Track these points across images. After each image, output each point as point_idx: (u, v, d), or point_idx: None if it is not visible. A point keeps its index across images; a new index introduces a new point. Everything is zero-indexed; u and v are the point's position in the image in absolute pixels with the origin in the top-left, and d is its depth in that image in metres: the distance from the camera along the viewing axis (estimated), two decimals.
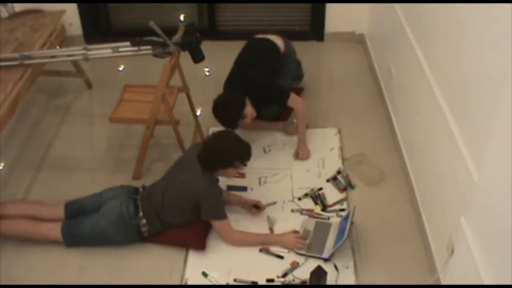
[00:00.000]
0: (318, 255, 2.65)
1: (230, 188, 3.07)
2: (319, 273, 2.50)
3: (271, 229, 2.82)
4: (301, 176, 3.15)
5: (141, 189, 2.84)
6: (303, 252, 2.68)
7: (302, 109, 3.29)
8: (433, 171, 2.66)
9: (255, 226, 2.83)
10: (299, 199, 3.00)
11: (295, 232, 2.76)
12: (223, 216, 2.70)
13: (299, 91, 3.69)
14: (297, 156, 3.31)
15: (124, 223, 2.68)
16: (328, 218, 2.87)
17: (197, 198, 2.66)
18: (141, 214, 2.70)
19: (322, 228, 2.79)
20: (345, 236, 2.61)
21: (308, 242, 2.71)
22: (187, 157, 2.83)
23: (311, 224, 2.82)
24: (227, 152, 2.68)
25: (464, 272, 2.10)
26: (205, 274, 2.60)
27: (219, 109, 3.10)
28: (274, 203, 2.97)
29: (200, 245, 2.72)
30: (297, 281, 2.56)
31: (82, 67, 3.88)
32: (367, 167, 3.19)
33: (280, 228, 2.83)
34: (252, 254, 2.70)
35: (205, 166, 2.69)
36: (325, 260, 2.64)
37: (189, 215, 2.73)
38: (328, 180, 3.11)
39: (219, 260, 2.68)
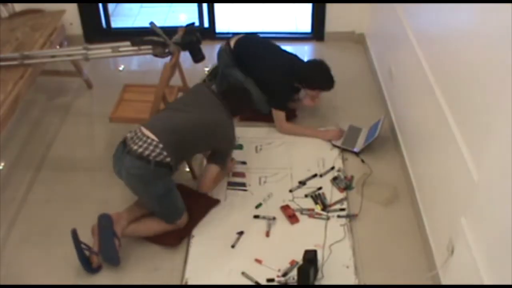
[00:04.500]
0: (350, 148, 3.28)
1: (230, 184, 3.09)
2: (306, 267, 2.48)
3: (267, 233, 2.82)
4: (301, 176, 3.15)
5: (129, 134, 2.74)
6: (339, 145, 3.28)
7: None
8: (433, 171, 2.66)
9: (255, 228, 2.84)
10: (300, 182, 3.11)
11: (340, 130, 3.40)
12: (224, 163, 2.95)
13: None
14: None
15: (147, 177, 2.62)
16: (328, 218, 2.87)
17: (221, 134, 2.85)
18: (146, 152, 2.58)
19: (354, 131, 3.43)
20: (376, 134, 3.19)
21: (343, 138, 3.34)
22: (200, 95, 2.90)
23: (345, 127, 3.43)
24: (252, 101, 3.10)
25: (464, 272, 2.11)
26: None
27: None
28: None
29: (174, 243, 2.73)
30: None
31: (82, 67, 3.88)
32: (380, 186, 3.05)
33: (278, 229, 2.83)
34: (252, 253, 2.70)
35: (233, 108, 2.90)
36: (356, 153, 3.24)
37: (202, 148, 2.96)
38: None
39: (219, 260, 2.68)
